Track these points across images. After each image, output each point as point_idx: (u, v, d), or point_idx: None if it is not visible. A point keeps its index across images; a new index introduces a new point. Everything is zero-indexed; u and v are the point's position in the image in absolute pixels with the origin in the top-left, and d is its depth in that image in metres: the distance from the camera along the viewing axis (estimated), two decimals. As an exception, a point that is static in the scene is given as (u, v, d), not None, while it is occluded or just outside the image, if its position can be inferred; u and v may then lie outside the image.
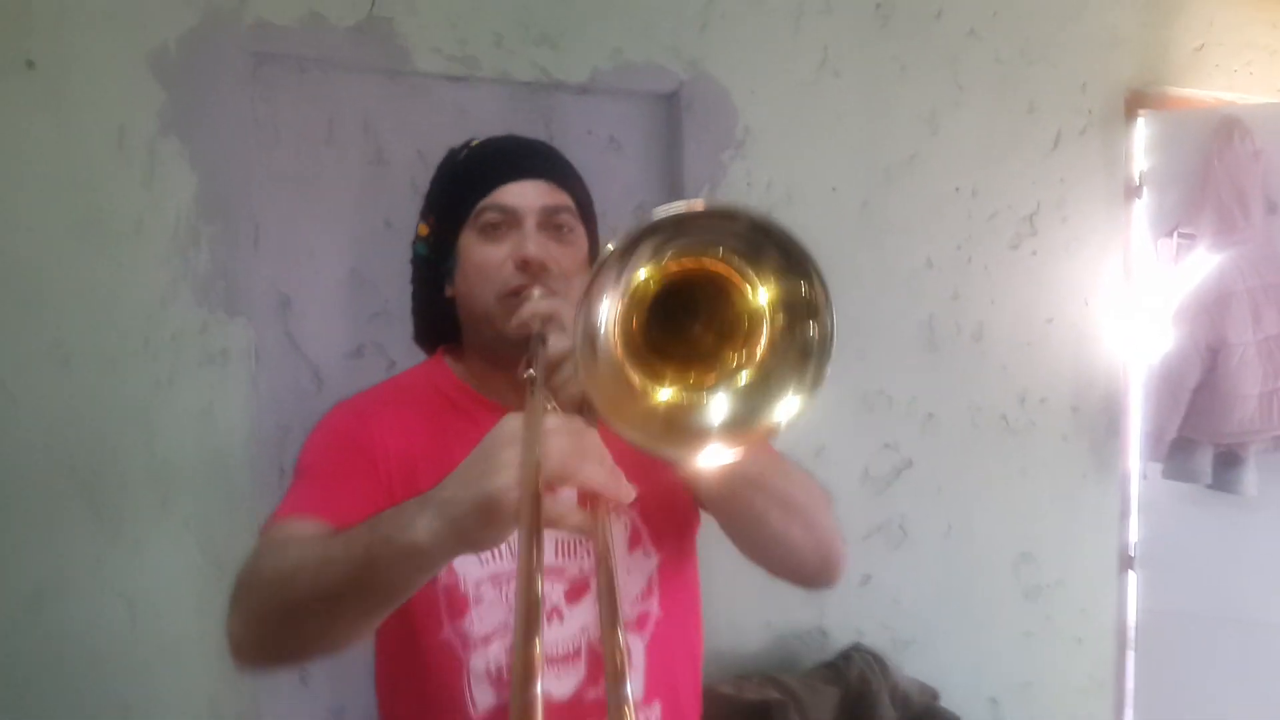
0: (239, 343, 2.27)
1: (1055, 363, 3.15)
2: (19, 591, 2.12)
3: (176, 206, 2.20)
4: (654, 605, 1.38)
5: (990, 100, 3.05)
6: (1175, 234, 3.13)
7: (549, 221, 1.36)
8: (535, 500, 0.88)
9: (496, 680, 1.30)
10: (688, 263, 1.01)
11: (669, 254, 0.99)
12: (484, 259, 1.35)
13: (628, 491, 0.96)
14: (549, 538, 1.28)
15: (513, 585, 1.29)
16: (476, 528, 0.93)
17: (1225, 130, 3.07)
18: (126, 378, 2.18)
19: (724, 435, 1.02)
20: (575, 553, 1.34)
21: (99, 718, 2.16)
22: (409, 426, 1.37)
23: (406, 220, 2.41)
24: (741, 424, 1.03)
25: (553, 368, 1.18)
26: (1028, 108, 3.10)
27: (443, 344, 1.49)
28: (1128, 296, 3.24)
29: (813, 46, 2.81)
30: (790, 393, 1.01)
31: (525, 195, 1.36)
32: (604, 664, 0.86)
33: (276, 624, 1.11)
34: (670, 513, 1.39)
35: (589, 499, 0.98)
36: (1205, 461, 3.08)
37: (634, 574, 1.36)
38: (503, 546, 1.23)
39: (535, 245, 1.33)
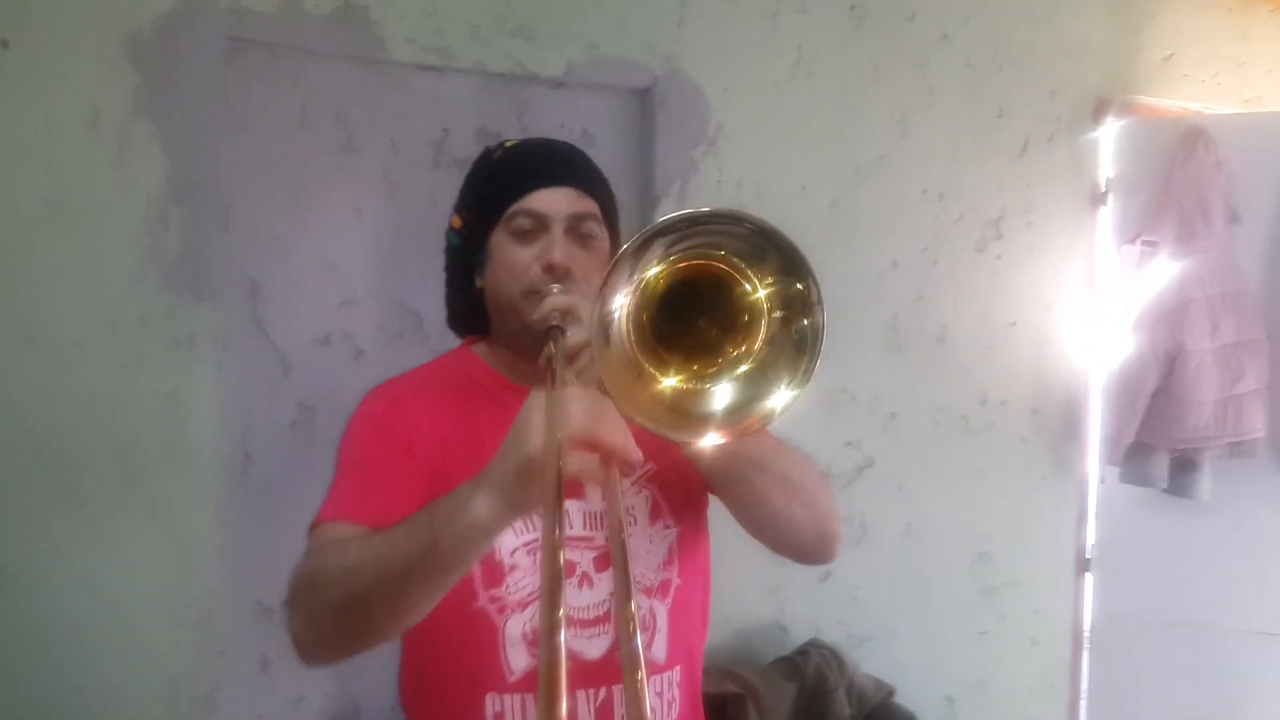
0: (206, 327, 2.26)
1: (1016, 365, 3.19)
2: (-22, 572, 2.11)
3: (147, 189, 2.19)
4: (674, 573, 1.47)
5: (960, 104, 3.08)
6: (1138, 241, 3.17)
7: (575, 229, 1.44)
8: (557, 454, 0.98)
9: (532, 643, 1.37)
10: (695, 262, 1.11)
11: (677, 253, 1.10)
12: (513, 260, 1.44)
13: (636, 454, 1.06)
14: (578, 509, 1.40)
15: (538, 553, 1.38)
16: (519, 489, 1.05)
17: (1189, 140, 3.11)
18: (92, 359, 2.17)
19: (723, 421, 1.14)
20: (602, 524, 1.42)
21: (57, 700, 2.16)
22: (440, 410, 1.45)
23: (377, 208, 2.44)
24: (739, 410, 1.14)
25: (570, 357, 1.26)
26: (997, 112, 3.13)
27: (473, 331, 1.58)
28: (1090, 302, 3.29)
29: (787, 46, 2.83)
30: (784, 383, 1.13)
31: (554, 202, 1.44)
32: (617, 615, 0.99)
33: (344, 616, 1.20)
34: (687, 488, 1.48)
35: (604, 456, 1.07)
36: (1161, 466, 3.12)
37: (656, 543, 1.46)
38: (535, 518, 1.33)
39: (561, 251, 1.41)
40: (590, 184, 1.50)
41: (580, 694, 1.35)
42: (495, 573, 1.37)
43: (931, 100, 3.04)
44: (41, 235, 2.13)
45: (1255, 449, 3.08)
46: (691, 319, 1.18)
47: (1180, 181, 3.10)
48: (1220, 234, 3.09)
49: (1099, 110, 3.28)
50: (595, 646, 1.38)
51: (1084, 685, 3.35)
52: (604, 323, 1.09)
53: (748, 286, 1.14)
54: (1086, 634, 3.34)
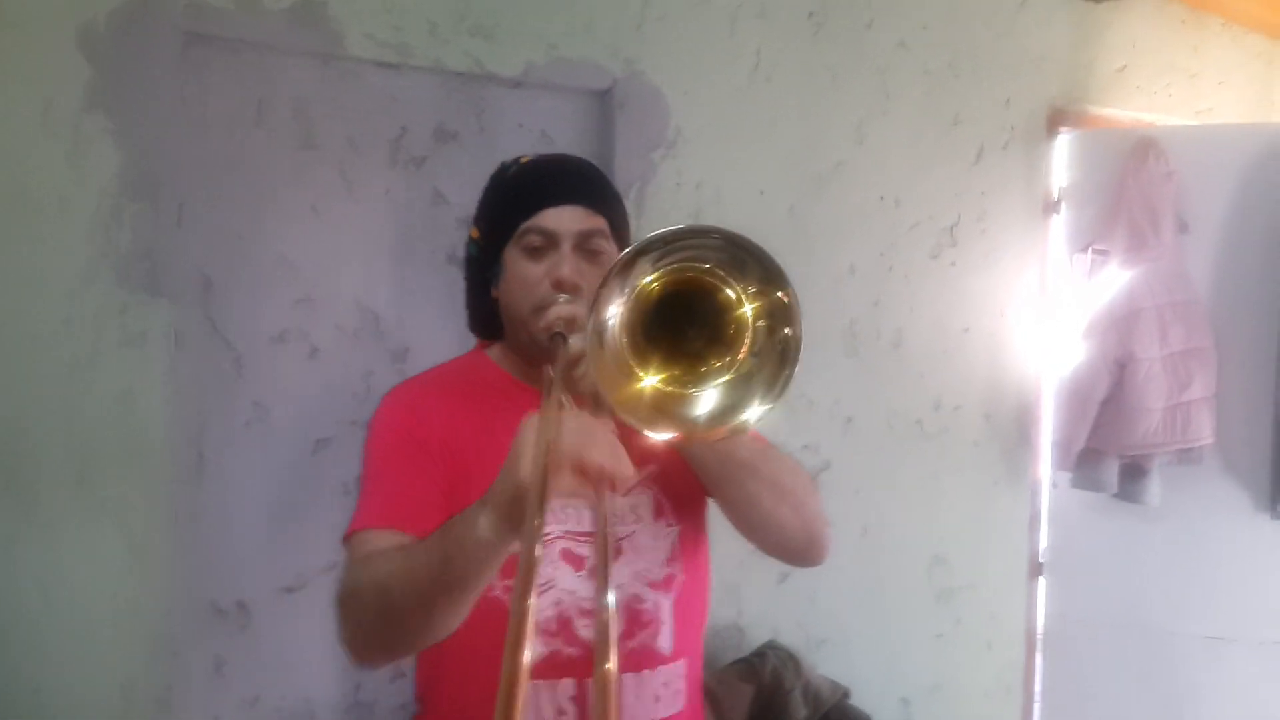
0: (160, 325, 2.23)
1: (970, 371, 3.23)
2: (-74, 571, 2.07)
3: (100, 184, 2.16)
4: (678, 569, 1.55)
5: (917, 112, 3.11)
6: (1090, 250, 3.21)
7: (584, 245, 1.51)
8: (543, 476, 1.04)
9: (545, 630, 1.45)
10: (684, 274, 1.20)
11: (666, 267, 1.19)
12: (524, 274, 1.51)
13: (627, 472, 1.11)
14: (583, 508, 1.49)
15: (559, 545, 1.48)
16: (515, 512, 1.09)
17: (1140, 150, 3.16)
18: (45, 357, 2.14)
19: (705, 424, 1.21)
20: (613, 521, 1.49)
21: (10, 701, 2.12)
22: (455, 410, 1.54)
23: (334, 206, 2.42)
24: (721, 416, 1.21)
25: (572, 363, 1.35)
26: (953, 120, 3.17)
27: (491, 336, 1.66)
28: (1042, 309, 3.33)
29: (746, 51, 2.85)
30: (760, 395, 1.20)
31: (564, 220, 1.51)
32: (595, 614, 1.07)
33: (381, 627, 1.31)
34: (687, 489, 1.54)
35: (593, 477, 1.13)
36: (1111, 472, 3.17)
37: (660, 540, 1.54)
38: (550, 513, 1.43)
39: (570, 267, 1.48)
40: (600, 201, 1.56)
41: (589, 681, 1.41)
42: (510, 562, 1.40)
43: (889, 107, 3.07)
44: (-8, 230, 2.10)
45: (1203, 455, 3.14)
46: (681, 329, 1.25)
47: (1131, 191, 3.16)
48: (1170, 244, 3.14)
49: (1053, 120, 3.33)
50: None
51: (1038, 688, 3.39)
52: (599, 325, 1.17)
53: (733, 296, 1.21)
54: (1040, 637, 3.38)
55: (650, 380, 1.22)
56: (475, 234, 1.63)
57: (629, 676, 1.47)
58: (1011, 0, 3.26)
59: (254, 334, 2.38)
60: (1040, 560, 3.37)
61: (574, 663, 1.45)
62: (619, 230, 1.58)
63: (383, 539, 1.38)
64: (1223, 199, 3.19)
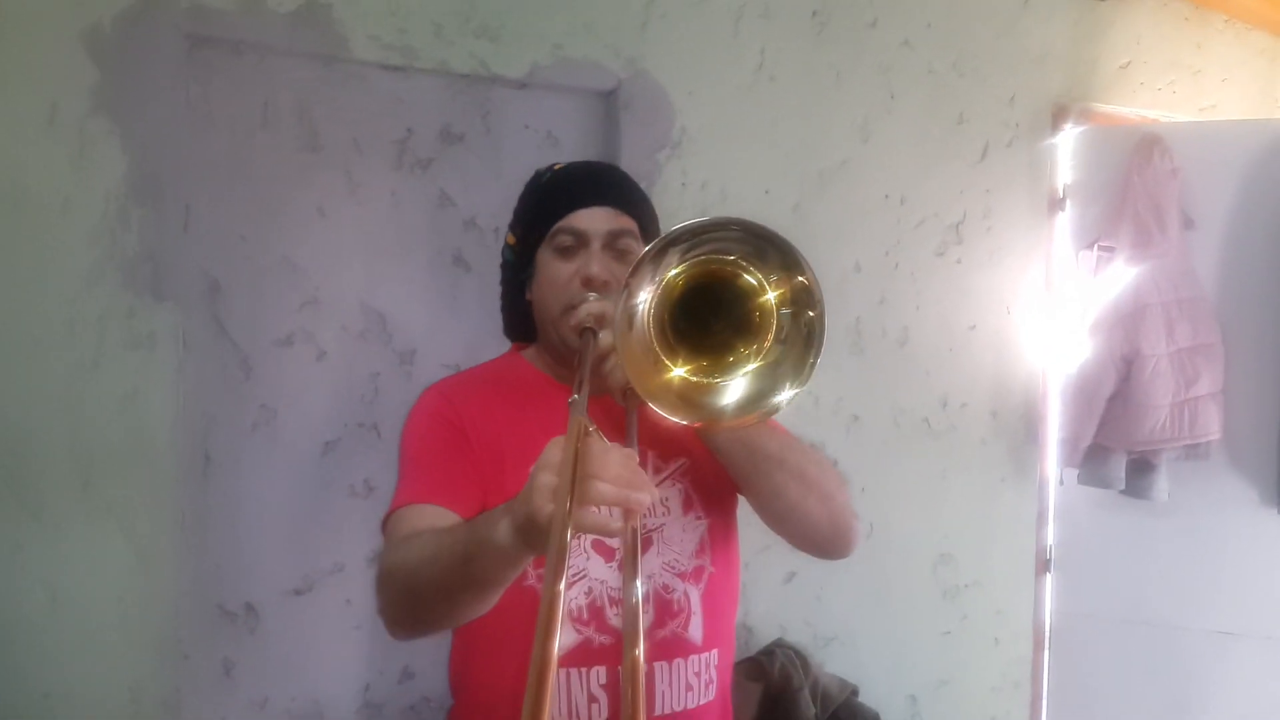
0: (166, 327, 2.24)
1: (976, 369, 3.22)
2: (-66, 575, 2.08)
3: (106, 187, 2.17)
4: (707, 561, 1.59)
5: (921, 110, 3.11)
6: (1095, 246, 3.20)
7: (613, 244, 1.56)
8: (564, 516, 1.03)
9: (577, 619, 1.49)
10: (710, 267, 1.25)
11: (694, 259, 1.24)
12: (555, 274, 1.56)
13: (639, 500, 1.09)
14: None
15: (590, 535, 1.48)
16: (530, 536, 1.11)
17: (1145, 147, 3.15)
18: (50, 360, 2.14)
19: (732, 412, 1.26)
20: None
21: (18, 705, 2.12)
22: (491, 404, 1.58)
23: (339, 208, 2.42)
24: (748, 405, 1.26)
25: (601, 358, 1.40)
26: (957, 119, 3.17)
27: (525, 338, 1.71)
28: (1048, 306, 3.32)
29: (750, 50, 2.85)
30: (789, 380, 1.26)
31: (594, 220, 1.56)
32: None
33: (411, 607, 1.35)
34: (716, 483, 1.59)
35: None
36: (1119, 468, 3.16)
37: (688, 533, 1.58)
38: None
39: (599, 266, 1.53)
40: (629, 203, 1.61)
41: (621, 668, 1.43)
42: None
43: (893, 106, 3.06)
44: (-2, 233, 2.10)
45: (1210, 451, 3.12)
46: (707, 322, 1.30)
47: (1136, 188, 3.14)
48: (1175, 240, 3.13)
49: (1057, 117, 3.32)
50: None
51: (1045, 684, 3.38)
52: (629, 311, 1.22)
53: (755, 284, 1.26)
54: (1047, 633, 3.37)
55: (679, 371, 1.26)
56: (511, 239, 1.68)
57: (660, 665, 1.50)
58: (1015, -2, 3.26)
59: (261, 336, 2.39)
60: (1048, 556, 3.36)
61: (606, 651, 1.48)
62: (649, 231, 1.62)
63: (424, 514, 1.42)
64: (1228, 195, 3.18)
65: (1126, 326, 3.11)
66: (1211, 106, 3.65)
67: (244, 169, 2.35)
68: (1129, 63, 3.47)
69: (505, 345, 1.78)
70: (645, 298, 1.23)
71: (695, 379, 1.26)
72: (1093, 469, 3.18)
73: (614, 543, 1.50)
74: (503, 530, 1.14)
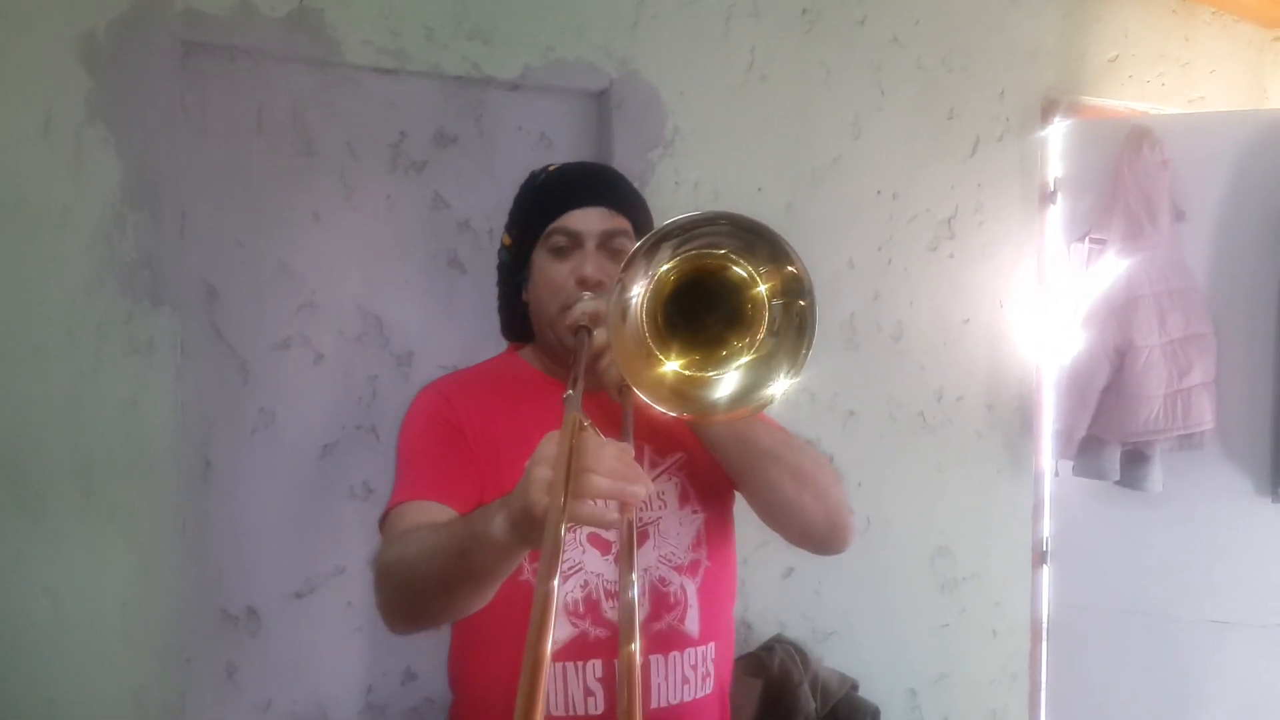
0: (164, 333, 2.24)
1: (971, 362, 3.24)
2: (-63, 584, 2.08)
3: (102, 194, 2.17)
4: (703, 555, 1.60)
5: (912, 106, 3.12)
6: (1087, 239, 3.22)
7: (607, 244, 1.57)
8: (559, 509, 1.04)
9: (573, 612, 1.50)
10: (701, 262, 1.26)
11: (685, 254, 1.25)
12: (551, 274, 1.57)
13: (634, 492, 1.10)
14: None
15: (586, 529, 1.51)
16: (525, 529, 1.12)
17: (1135, 139, 3.17)
18: (49, 368, 2.14)
19: (725, 404, 1.27)
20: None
21: (22, 712, 2.12)
22: (487, 402, 1.60)
23: (335, 212, 2.43)
24: (740, 397, 1.27)
25: (596, 356, 1.41)
26: (948, 114, 3.18)
27: (522, 338, 1.72)
28: (1041, 299, 3.34)
29: (741, 49, 2.86)
30: (784, 370, 1.26)
31: (588, 220, 1.57)
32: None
33: (409, 602, 1.37)
34: (713, 478, 1.59)
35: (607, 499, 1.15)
36: (1113, 460, 3.18)
37: (685, 526, 1.59)
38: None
39: (593, 265, 1.54)
40: (623, 203, 1.62)
41: (617, 662, 1.45)
42: None
43: (883, 103, 3.08)
44: (-5, 242, 2.11)
45: (1204, 441, 3.14)
46: (700, 317, 1.31)
47: (1127, 180, 3.16)
48: (1166, 231, 3.15)
49: (1047, 111, 3.34)
50: None
51: (1043, 676, 3.40)
52: (622, 304, 1.23)
53: (746, 277, 1.27)
54: (1045, 625, 3.39)
55: (672, 365, 1.27)
56: (507, 241, 1.69)
57: (657, 658, 1.52)
58: (1003, -7, 3.28)
59: (258, 341, 2.39)
60: (1044, 548, 3.38)
61: (602, 644, 1.49)
62: (643, 231, 1.61)
63: (421, 511, 1.43)
64: (1218, 186, 3.20)
65: (1119, 318, 3.13)
66: (1200, 98, 3.67)
67: (239, 174, 2.36)
68: (1117, 56, 3.49)
69: (502, 346, 1.79)
70: (638, 292, 1.24)
71: (689, 373, 1.27)
72: (1087, 460, 3.20)
73: (610, 536, 1.51)
74: (499, 524, 1.15)
